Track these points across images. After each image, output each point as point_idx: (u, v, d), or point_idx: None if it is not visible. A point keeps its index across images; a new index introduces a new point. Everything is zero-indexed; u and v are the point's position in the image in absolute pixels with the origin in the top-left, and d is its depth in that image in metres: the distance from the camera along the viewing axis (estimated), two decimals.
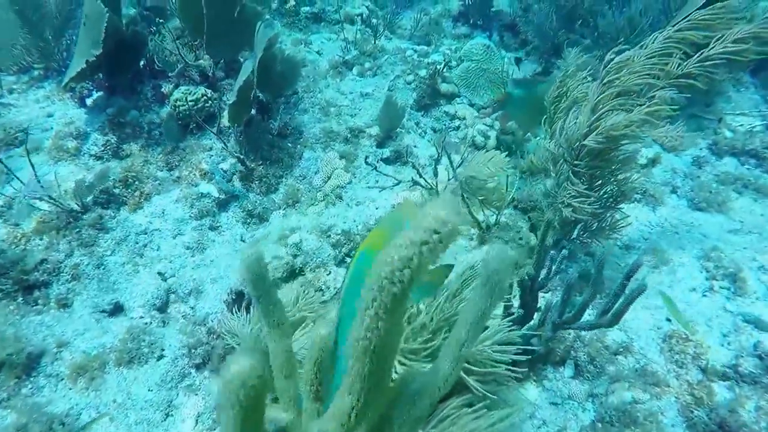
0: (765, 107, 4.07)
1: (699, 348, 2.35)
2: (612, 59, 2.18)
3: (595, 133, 2.14)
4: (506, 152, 3.33)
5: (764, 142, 3.72)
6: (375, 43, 4.54)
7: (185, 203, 2.94)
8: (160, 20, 3.39)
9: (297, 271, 2.61)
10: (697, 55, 2.39)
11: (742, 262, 2.83)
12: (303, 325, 1.81)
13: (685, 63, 2.39)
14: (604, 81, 2.14)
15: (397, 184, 3.07)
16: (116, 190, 2.94)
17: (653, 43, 2.37)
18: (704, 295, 2.70)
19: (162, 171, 3.21)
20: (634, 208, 3.27)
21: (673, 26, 2.35)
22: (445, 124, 3.71)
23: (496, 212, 2.89)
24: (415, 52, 4.29)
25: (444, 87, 3.80)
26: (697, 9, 2.34)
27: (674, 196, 3.35)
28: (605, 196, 2.54)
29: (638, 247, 2.99)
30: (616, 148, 2.28)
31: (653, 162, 3.53)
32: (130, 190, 2.96)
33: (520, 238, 2.88)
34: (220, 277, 2.62)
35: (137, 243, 2.78)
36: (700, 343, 2.37)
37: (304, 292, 2.05)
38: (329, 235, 2.73)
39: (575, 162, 2.33)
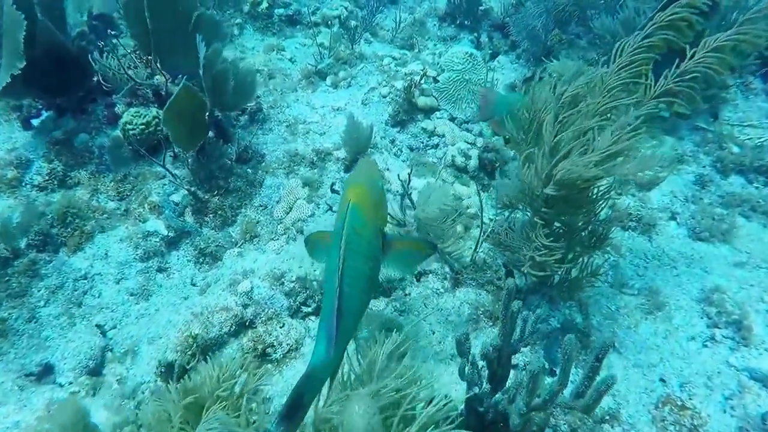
0: None
1: (696, 419, 2.06)
2: (564, 92, 1.88)
3: (553, 182, 1.84)
4: (485, 179, 3.04)
5: None
6: (352, 48, 4.22)
7: (130, 243, 2.66)
8: (112, 32, 3.08)
9: (247, 324, 2.33)
10: (674, 68, 2.10)
11: (747, 303, 2.53)
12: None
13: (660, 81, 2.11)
14: (560, 119, 1.84)
15: None
16: (54, 230, 2.66)
17: (620, 55, 2.07)
18: (705, 346, 2.40)
19: (113, 201, 2.94)
20: (629, 237, 2.97)
21: (638, 35, 2.07)
22: (422, 142, 3.41)
23: (471, 250, 2.60)
24: (394, 60, 3.97)
25: (421, 101, 3.48)
26: (659, 10, 2.06)
27: (673, 224, 3.05)
28: (579, 246, 2.25)
29: (632, 285, 2.69)
30: (584, 190, 1.99)
31: (652, 183, 3.22)
32: (69, 229, 2.68)
33: (499, 279, 2.59)
34: (158, 336, 2.34)
35: (75, 290, 2.51)
36: (698, 412, 2.08)
37: (242, 365, 1.77)
38: (283, 282, 2.45)
39: (542, 210, 2.04)
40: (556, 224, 2.17)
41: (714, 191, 3.27)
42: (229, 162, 3.01)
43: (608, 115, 1.96)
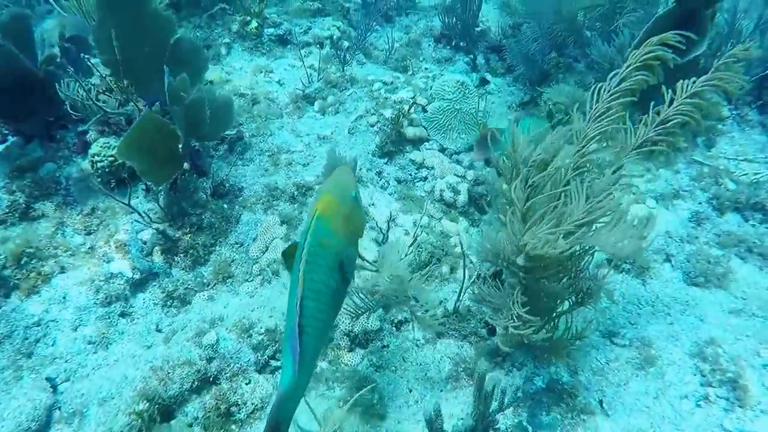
0: None
1: None
2: (530, 156, 1.75)
3: (523, 254, 1.71)
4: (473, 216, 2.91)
5: None
6: (343, 71, 4.10)
7: (91, 286, 2.53)
8: (86, 56, 2.95)
9: (211, 380, 2.20)
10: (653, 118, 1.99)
11: (743, 358, 2.38)
12: None
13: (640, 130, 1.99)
14: (529, 182, 1.71)
15: None
16: (6, 272, 2.53)
17: (596, 101, 1.95)
18: (698, 406, 2.26)
19: (80, 235, 2.80)
20: (622, 281, 2.84)
21: (614, 77, 1.96)
22: (410, 174, 3.27)
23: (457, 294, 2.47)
24: (384, 86, 3.84)
25: (410, 131, 3.35)
26: (633, 48, 1.95)
27: (668, 267, 2.91)
28: (559, 311, 2.12)
29: (623, 335, 2.55)
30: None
31: (644, 223, 3.08)
32: (24, 271, 2.54)
33: (483, 328, 2.46)
34: (111, 396, 2.20)
35: (26, 339, 2.37)
36: None
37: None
38: (251, 335, 2.32)
39: (521, 276, 1.90)
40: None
41: (710, 229, 3.14)
42: (205, 196, 2.88)
43: (586, 169, 1.84)
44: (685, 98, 1.98)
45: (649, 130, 1.96)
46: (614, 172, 1.90)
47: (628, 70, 1.97)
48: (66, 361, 2.33)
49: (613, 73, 2.05)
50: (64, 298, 2.51)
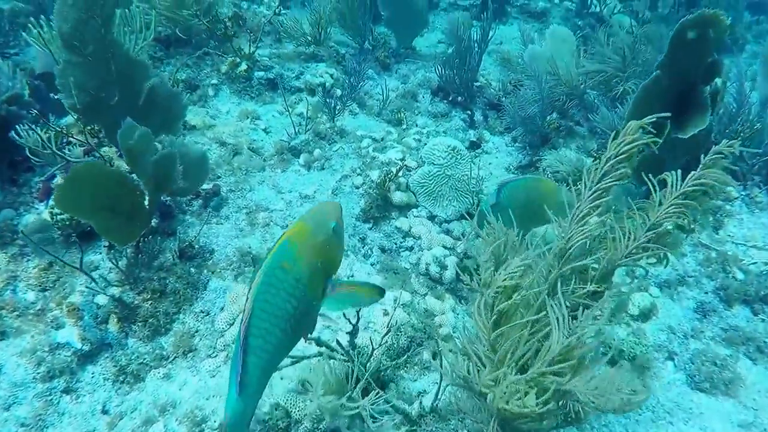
0: None
1: None
2: (494, 281, 1.52)
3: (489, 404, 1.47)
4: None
5: None
6: (333, 122, 3.90)
7: (32, 358, 2.26)
8: (55, 95, 2.74)
9: None
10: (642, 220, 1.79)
11: None
12: None
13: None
14: (495, 307, 1.48)
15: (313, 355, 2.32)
16: None
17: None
18: None
19: (33, 291, 2.55)
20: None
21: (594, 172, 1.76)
22: (396, 243, 3.05)
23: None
24: (373, 143, 3.64)
25: (397, 196, 3.14)
26: (612, 139, 1.74)
27: (671, 366, 2.68)
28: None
29: None
30: None
31: (646, 315, 2.86)
32: None
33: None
34: None
35: None
36: None
37: None
38: (203, 430, 2.05)
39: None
40: None
41: (716, 323, 2.92)
42: (171, 258, 2.64)
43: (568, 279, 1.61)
44: (674, 198, 1.77)
45: (639, 237, 1.73)
46: (602, 286, 1.68)
47: (609, 165, 1.77)
48: None
49: (588, 166, 1.87)
50: None
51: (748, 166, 3.90)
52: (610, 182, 1.62)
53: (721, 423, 2.41)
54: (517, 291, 1.47)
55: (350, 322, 2.20)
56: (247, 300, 1.39)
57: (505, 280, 1.46)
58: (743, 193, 3.64)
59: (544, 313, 1.43)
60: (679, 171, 1.71)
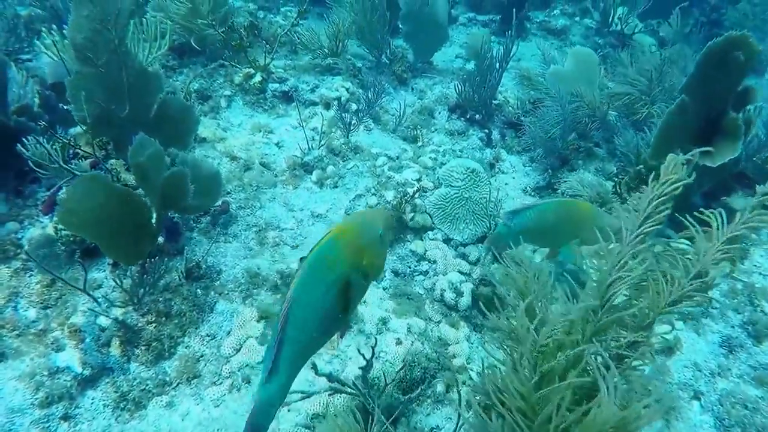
0: None
1: None
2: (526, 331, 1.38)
3: None
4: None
5: None
6: (348, 138, 3.81)
7: (30, 382, 2.17)
8: (65, 106, 2.67)
9: None
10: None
11: None
12: None
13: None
14: (538, 368, 1.34)
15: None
16: None
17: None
18: None
19: (35, 308, 2.47)
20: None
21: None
22: (410, 267, 2.94)
23: None
24: (389, 161, 3.54)
25: (413, 219, 3.03)
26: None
27: (697, 406, 2.55)
28: None
29: None
30: None
31: (671, 349, 2.73)
32: None
33: None
34: None
35: None
36: None
37: None
38: None
39: None
40: None
41: (744, 360, 2.79)
42: (178, 279, 2.55)
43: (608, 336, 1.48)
44: (721, 244, 1.62)
45: (684, 284, 1.59)
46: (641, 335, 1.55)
47: (651, 205, 1.64)
48: None
49: (634, 208, 1.73)
50: None
51: None
52: (652, 225, 1.50)
53: None
54: (561, 350, 1.35)
55: (364, 357, 2.09)
56: (288, 290, 1.41)
57: (549, 338, 1.34)
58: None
59: (582, 367, 1.31)
60: (724, 213, 1.59)
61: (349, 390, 2.07)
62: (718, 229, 1.49)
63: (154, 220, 2.48)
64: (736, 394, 2.54)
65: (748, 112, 3.13)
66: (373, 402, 2.17)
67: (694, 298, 1.45)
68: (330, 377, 2.07)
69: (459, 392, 2.09)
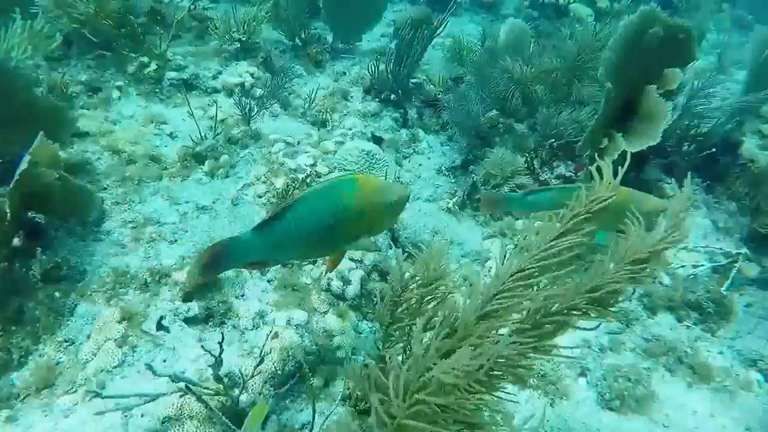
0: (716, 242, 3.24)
1: None
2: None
3: None
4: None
5: (708, 290, 2.89)
6: (248, 125, 3.66)
7: None
8: None
9: None
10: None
11: None
12: None
13: None
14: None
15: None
16: None
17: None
18: None
19: None
20: (528, 400, 2.40)
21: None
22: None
23: None
24: (286, 146, 3.40)
25: None
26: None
27: (583, 383, 2.49)
28: None
29: None
30: None
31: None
32: None
33: None
34: None
35: None
36: None
37: None
38: None
39: None
40: None
41: (639, 333, 2.75)
42: (35, 280, 2.39)
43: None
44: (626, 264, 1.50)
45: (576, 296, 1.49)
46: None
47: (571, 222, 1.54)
48: None
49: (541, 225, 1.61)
50: None
51: (686, 162, 3.74)
52: (567, 243, 1.40)
53: None
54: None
55: (211, 354, 1.98)
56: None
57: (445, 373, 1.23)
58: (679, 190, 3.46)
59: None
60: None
61: (203, 390, 1.95)
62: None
63: (7, 222, 2.32)
64: (621, 368, 2.48)
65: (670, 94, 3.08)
66: (233, 400, 2.07)
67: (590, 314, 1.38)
68: (175, 378, 1.95)
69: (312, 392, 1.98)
